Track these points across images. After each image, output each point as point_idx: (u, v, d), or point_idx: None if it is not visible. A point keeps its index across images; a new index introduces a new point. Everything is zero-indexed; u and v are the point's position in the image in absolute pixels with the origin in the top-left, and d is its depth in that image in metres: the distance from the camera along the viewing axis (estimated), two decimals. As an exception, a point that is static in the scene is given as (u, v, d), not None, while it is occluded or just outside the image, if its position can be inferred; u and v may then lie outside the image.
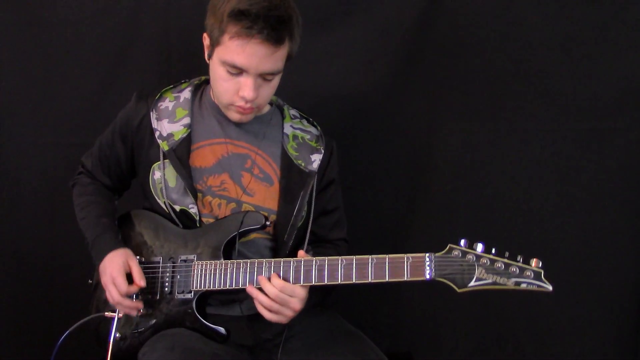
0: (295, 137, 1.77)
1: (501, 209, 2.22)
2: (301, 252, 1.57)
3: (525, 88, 2.16)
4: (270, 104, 1.81)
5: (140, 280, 1.60)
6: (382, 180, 2.24)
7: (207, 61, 1.68)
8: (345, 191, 1.89)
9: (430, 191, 2.23)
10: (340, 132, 1.95)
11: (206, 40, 1.65)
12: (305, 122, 1.83)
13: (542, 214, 2.21)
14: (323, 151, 1.77)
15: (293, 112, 1.84)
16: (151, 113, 1.71)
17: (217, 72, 1.63)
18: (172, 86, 1.78)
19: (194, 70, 1.95)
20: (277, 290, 1.51)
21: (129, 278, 1.61)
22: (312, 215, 1.74)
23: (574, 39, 2.12)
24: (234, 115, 1.69)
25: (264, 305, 1.53)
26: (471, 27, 2.14)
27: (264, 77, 1.61)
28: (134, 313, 1.63)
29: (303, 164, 1.74)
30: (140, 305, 1.62)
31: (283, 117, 1.80)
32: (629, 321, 2.22)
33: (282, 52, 1.59)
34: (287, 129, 1.78)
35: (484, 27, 2.14)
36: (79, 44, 2.17)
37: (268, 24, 1.53)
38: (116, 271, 1.60)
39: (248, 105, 1.63)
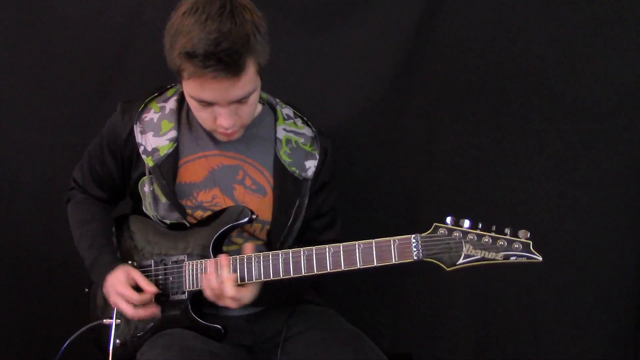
0: (288, 141, 1.71)
1: (501, 208, 2.21)
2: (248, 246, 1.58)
3: (525, 88, 2.16)
4: (262, 102, 1.75)
5: (149, 287, 1.59)
6: (382, 181, 2.23)
7: None
8: (343, 192, 1.86)
9: (430, 192, 2.23)
10: (340, 132, 1.95)
11: None
12: (299, 121, 1.76)
13: (541, 214, 2.20)
14: (318, 157, 1.72)
15: (286, 111, 1.77)
16: (135, 126, 1.66)
17: (190, 102, 1.58)
18: (157, 94, 1.72)
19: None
20: (213, 284, 1.53)
21: (137, 290, 1.60)
22: (298, 221, 1.69)
23: (574, 39, 2.12)
24: (222, 137, 1.63)
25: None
26: (471, 27, 2.14)
27: (239, 101, 1.53)
28: (157, 316, 1.61)
29: (297, 171, 1.68)
30: (157, 308, 1.61)
31: (276, 119, 1.74)
32: (629, 321, 2.22)
33: (247, 76, 1.49)
34: (280, 133, 1.71)
35: (484, 27, 2.13)
36: (79, 44, 2.17)
37: (220, 61, 1.42)
38: (121, 286, 1.59)
39: (230, 130, 1.58)
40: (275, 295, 1.63)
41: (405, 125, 2.21)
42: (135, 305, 1.59)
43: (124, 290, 1.58)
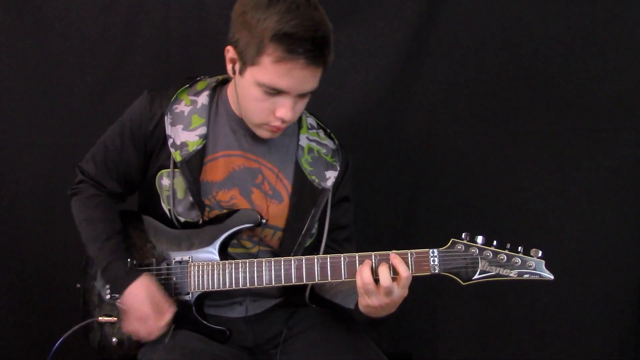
0: (310, 150, 1.69)
1: (501, 209, 2.22)
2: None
3: (525, 88, 2.17)
4: None
5: (170, 308, 1.56)
6: (382, 181, 2.24)
7: (231, 75, 1.57)
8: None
9: (431, 191, 2.23)
10: (340, 132, 1.95)
11: (230, 53, 1.53)
12: (322, 133, 1.74)
13: (542, 214, 2.21)
14: (339, 168, 1.70)
15: (310, 120, 1.75)
16: (166, 117, 1.61)
17: (251, 92, 1.51)
18: (187, 85, 1.66)
19: (194, 70, 1.94)
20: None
21: None
22: (325, 232, 1.68)
23: (575, 39, 2.13)
24: (265, 134, 1.58)
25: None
26: (471, 27, 2.14)
27: (303, 95, 1.52)
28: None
29: (317, 180, 1.66)
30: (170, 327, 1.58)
31: (300, 127, 1.71)
32: (629, 321, 2.22)
33: (322, 70, 1.50)
34: (303, 141, 1.69)
35: (484, 27, 2.14)
36: (79, 44, 2.16)
37: (315, 47, 1.43)
38: (146, 308, 1.54)
39: (284, 125, 1.55)
40: None
41: (405, 124, 2.22)
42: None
43: (149, 313, 1.54)
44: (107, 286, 1.63)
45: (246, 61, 1.49)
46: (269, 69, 1.46)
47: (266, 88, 1.48)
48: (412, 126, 2.21)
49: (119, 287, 1.58)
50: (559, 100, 2.16)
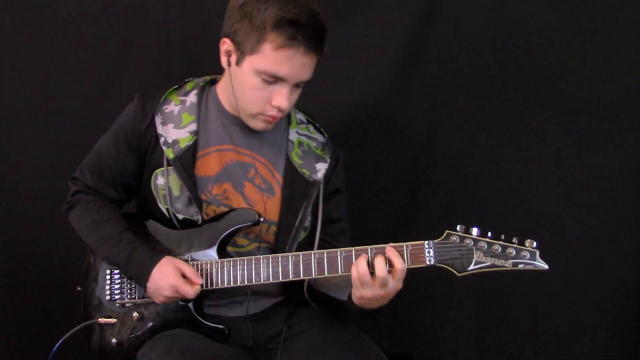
0: (300, 143, 1.72)
1: (501, 209, 2.21)
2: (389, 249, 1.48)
3: (525, 88, 2.16)
4: None
5: (197, 279, 1.55)
6: (382, 182, 2.23)
7: (226, 67, 1.61)
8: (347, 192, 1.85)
9: (431, 191, 2.23)
10: (340, 132, 1.96)
11: (226, 45, 1.57)
12: (311, 128, 1.78)
13: (541, 214, 2.20)
14: (329, 160, 1.72)
15: (299, 116, 1.78)
16: (156, 117, 1.64)
17: (249, 81, 1.55)
18: (176, 86, 1.71)
19: (194, 70, 1.94)
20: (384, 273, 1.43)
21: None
22: (318, 224, 1.69)
23: (575, 40, 2.13)
24: (259, 125, 1.62)
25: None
26: (472, 27, 2.14)
27: (297, 85, 1.57)
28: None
29: (307, 173, 1.69)
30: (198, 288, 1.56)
31: (289, 122, 1.75)
32: (629, 321, 2.22)
33: (318, 60, 1.57)
34: (292, 135, 1.72)
35: (484, 26, 2.14)
36: (79, 44, 2.17)
37: (316, 34, 1.50)
38: (174, 280, 1.54)
39: (279, 114, 1.59)
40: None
41: (405, 125, 2.22)
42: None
43: (178, 284, 1.53)
44: (131, 282, 1.63)
45: (245, 51, 1.53)
46: (269, 56, 1.51)
47: (265, 76, 1.53)
48: (412, 126, 2.21)
49: (146, 271, 1.56)
50: (559, 100, 2.16)
